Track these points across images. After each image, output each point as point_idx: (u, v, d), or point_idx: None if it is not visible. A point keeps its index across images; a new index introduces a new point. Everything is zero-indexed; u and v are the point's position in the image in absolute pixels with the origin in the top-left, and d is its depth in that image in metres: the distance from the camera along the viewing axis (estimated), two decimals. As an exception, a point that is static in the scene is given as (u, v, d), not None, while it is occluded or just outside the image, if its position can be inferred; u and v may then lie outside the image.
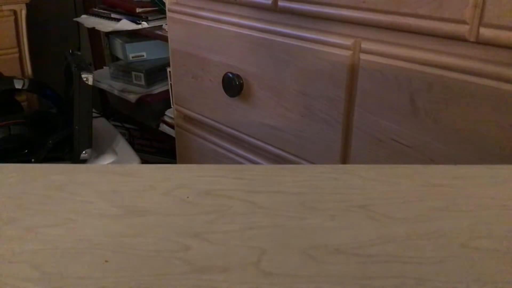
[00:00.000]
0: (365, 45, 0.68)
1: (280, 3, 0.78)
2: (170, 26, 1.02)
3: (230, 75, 0.89)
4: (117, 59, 1.65)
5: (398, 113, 0.66)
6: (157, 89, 1.52)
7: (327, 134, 0.77)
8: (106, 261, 0.31)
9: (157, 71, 1.53)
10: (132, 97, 1.49)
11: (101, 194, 0.39)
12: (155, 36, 1.37)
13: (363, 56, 0.69)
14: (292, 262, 0.31)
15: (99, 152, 1.13)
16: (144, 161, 1.31)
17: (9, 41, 1.34)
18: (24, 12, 1.34)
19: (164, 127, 1.47)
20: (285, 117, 0.83)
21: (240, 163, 0.96)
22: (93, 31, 1.70)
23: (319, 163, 0.80)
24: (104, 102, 1.82)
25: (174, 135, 1.17)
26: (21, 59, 1.38)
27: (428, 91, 0.62)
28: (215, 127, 1.00)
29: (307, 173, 0.42)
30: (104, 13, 1.49)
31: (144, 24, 1.39)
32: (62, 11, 1.77)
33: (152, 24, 1.40)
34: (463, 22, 0.57)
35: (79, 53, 1.16)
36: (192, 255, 0.32)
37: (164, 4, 1.21)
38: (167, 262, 0.31)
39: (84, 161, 1.06)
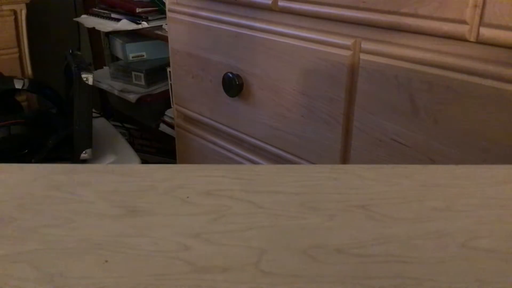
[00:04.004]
0: (365, 45, 0.68)
1: (280, 3, 0.78)
2: (170, 26, 1.02)
3: (230, 75, 0.89)
4: (117, 59, 1.64)
5: (398, 113, 0.66)
6: (157, 89, 1.52)
7: (327, 134, 0.77)
8: (106, 261, 0.31)
9: (157, 71, 1.53)
10: (132, 97, 1.49)
11: (101, 194, 0.39)
12: (155, 36, 1.37)
13: (363, 56, 0.68)
14: (292, 262, 0.31)
15: (99, 152, 1.13)
16: (144, 161, 1.31)
17: (9, 41, 1.34)
18: (24, 12, 1.34)
19: (164, 127, 1.47)
20: (285, 117, 0.83)
21: (240, 163, 0.96)
22: (93, 31, 1.70)
23: (319, 163, 0.80)
24: (104, 102, 1.82)
25: (174, 135, 1.17)
26: (21, 59, 1.38)
27: (428, 91, 0.62)
28: (215, 127, 1.00)
29: (307, 173, 0.42)
30: (104, 13, 1.49)
31: (144, 24, 1.39)
32: (62, 11, 1.77)
33: (152, 24, 1.40)
34: (463, 22, 0.57)
35: (79, 53, 1.16)
36: (192, 255, 0.32)
37: (164, 4, 1.21)
38: (167, 262, 0.31)
39: (84, 161, 1.06)
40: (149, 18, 1.41)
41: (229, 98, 0.92)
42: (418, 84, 0.63)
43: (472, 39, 0.57)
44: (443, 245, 0.33)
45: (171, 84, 1.21)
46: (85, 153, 1.05)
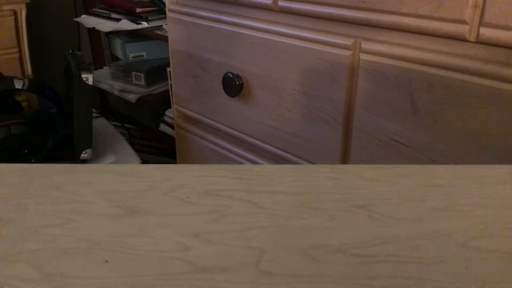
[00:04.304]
0: (365, 45, 0.68)
1: (280, 3, 0.78)
2: (170, 26, 1.02)
3: (230, 75, 0.89)
4: (117, 59, 1.64)
5: (398, 113, 0.66)
6: (157, 89, 1.52)
7: (327, 134, 0.77)
8: (106, 261, 0.31)
9: (157, 71, 1.53)
10: (132, 97, 1.49)
11: (101, 194, 0.39)
12: (155, 36, 1.37)
13: (363, 56, 0.68)
14: (292, 262, 0.31)
15: (99, 152, 1.13)
16: (144, 161, 1.31)
17: (9, 41, 1.34)
18: (24, 12, 1.34)
19: (164, 127, 1.47)
20: (285, 117, 0.83)
21: (240, 163, 0.96)
22: (93, 31, 1.70)
23: (319, 163, 0.80)
24: (104, 102, 1.82)
25: (174, 135, 1.17)
26: (21, 59, 1.38)
27: (428, 91, 0.62)
28: (215, 127, 1.00)
29: (307, 173, 0.42)
30: (104, 13, 1.49)
31: (144, 24, 1.39)
32: (62, 11, 1.77)
33: (152, 24, 1.40)
34: (463, 22, 0.57)
35: (79, 53, 1.16)
36: (192, 255, 0.32)
37: (164, 4, 1.21)
38: (167, 262, 0.31)
39: (84, 161, 1.06)
40: (149, 18, 1.41)
41: (229, 98, 0.92)
42: (418, 84, 0.63)
43: (472, 39, 0.57)
44: (443, 245, 0.33)
45: (171, 84, 1.21)
46: (85, 153, 1.05)
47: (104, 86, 1.59)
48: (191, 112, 1.05)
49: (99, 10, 1.51)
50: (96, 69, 1.80)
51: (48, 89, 1.19)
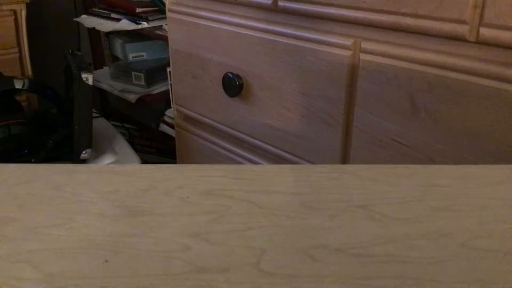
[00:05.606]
0: (365, 45, 0.68)
1: (280, 3, 0.78)
2: (170, 26, 1.02)
3: (230, 75, 0.89)
4: (117, 59, 1.64)
5: (398, 113, 0.66)
6: (157, 89, 1.52)
7: (327, 134, 0.77)
8: (106, 261, 0.31)
9: (157, 71, 1.53)
10: (132, 97, 1.49)
11: (101, 194, 0.39)
12: (155, 36, 1.37)
13: (363, 56, 0.68)
14: (292, 262, 0.31)
15: (99, 152, 1.13)
16: (144, 161, 1.31)
17: (9, 41, 1.34)
18: (24, 12, 1.34)
19: (164, 127, 1.47)
20: (285, 117, 0.83)
21: (240, 163, 0.96)
22: (93, 31, 1.70)
23: (319, 163, 0.80)
24: (104, 102, 1.82)
25: (174, 135, 1.17)
26: (21, 59, 1.38)
27: (428, 91, 0.62)
28: (215, 127, 1.00)
29: (307, 173, 0.42)
30: (104, 13, 1.49)
31: (144, 24, 1.39)
32: (62, 11, 1.77)
33: (152, 24, 1.40)
34: (463, 22, 0.57)
35: (79, 53, 1.16)
36: (192, 255, 0.32)
37: (164, 4, 1.21)
38: (167, 262, 0.31)
39: (84, 161, 1.06)
40: (149, 18, 1.41)
41: (229, 98, 0.92)
42: (418, 84, 0.63)
43: (472, 39, 0.57)
44: (443, 245, 0.33)
45: (171, 84, 1.21)
46: (85, 153, 1.05)
47: (104, 86, 1.59)
48: (191, 112, 1.05)
49: (99, 10, 1.51)
50: (96, 69, 1.80)
51: (48, 89, 1.19)
